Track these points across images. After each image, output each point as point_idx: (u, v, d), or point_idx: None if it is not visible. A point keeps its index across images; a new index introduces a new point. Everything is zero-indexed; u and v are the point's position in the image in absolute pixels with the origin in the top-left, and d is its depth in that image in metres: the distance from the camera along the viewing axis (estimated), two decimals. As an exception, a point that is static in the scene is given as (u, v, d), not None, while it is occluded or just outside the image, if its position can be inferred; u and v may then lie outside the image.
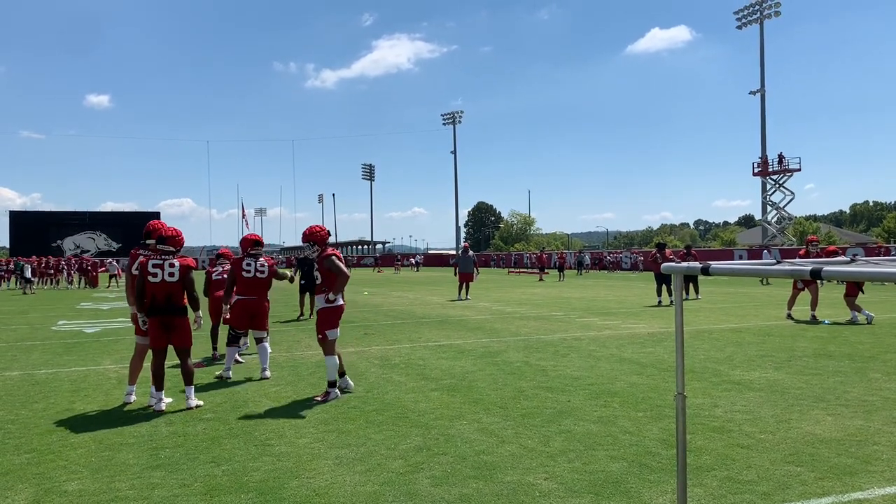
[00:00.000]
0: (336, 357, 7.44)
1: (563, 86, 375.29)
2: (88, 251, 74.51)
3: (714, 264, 3.08)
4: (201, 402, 7.06)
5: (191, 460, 5.18)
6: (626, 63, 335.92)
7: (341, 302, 7.62)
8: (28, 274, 32.81)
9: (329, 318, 7.46)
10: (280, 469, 4.94)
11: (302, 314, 16.58)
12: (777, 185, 58.29)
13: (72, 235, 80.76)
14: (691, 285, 21.53)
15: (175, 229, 7.16)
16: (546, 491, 4.41)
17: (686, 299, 20.90)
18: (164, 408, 6.83)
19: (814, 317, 14.03)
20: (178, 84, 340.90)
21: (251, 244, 8.91)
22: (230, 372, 8.60)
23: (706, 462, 4.91)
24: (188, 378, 7.02)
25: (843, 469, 4.71)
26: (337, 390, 7.32)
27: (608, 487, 4.45)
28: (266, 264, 8.84)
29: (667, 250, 21.25)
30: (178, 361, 7.11)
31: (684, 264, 3.30)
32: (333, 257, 7.43)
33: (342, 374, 7.61)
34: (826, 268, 2.66)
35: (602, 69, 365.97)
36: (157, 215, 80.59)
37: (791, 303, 14.88)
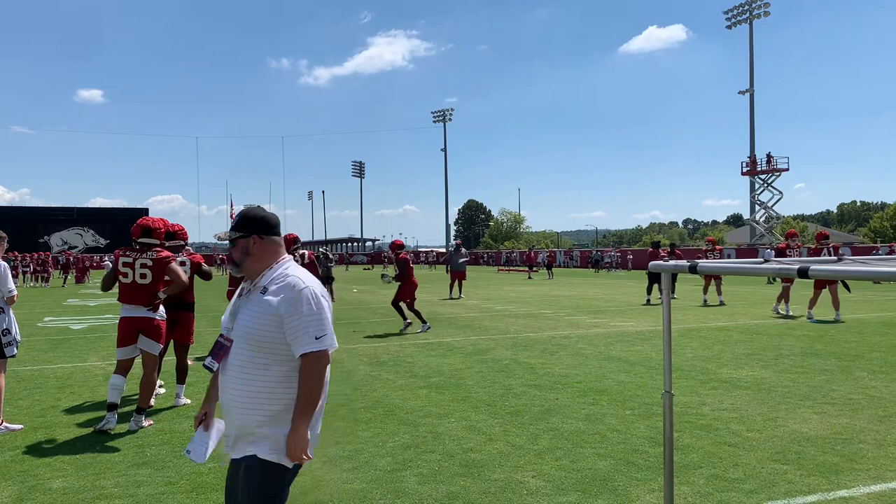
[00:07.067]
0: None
1: (557, 85, 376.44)
2: (76, 247, 74.04)
3: (702, 263, 3.08)
4: (189, 401, 7.03)
5: (177, 458, 5.14)
6: (620, 62, 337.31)
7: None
8: None
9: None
10: (267, 467, 4.91)
11: None
12: (765, 185, 58.66)
13: (59, 231, 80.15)
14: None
15: (177, 225, 7.32)
16: (533, 489, 4.41)
17: (671, 298, 21.02)
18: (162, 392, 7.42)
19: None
20: (170, 79, 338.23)
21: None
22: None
23: (693, 460, 4.93)
24: (182, 375, 7.01)
25: (828, 467, 4.74)
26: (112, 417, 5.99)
27: (595, 485, 4.46)
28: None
29: (661, 249, 21.30)
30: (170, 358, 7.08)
31: (672, 263, 3.30)
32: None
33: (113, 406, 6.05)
34: (813, 267, 2.66)
35: (596, 68, 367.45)
36: (145, 211, 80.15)
37: (812, 302, 14.46)
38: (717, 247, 22.48)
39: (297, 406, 2.59)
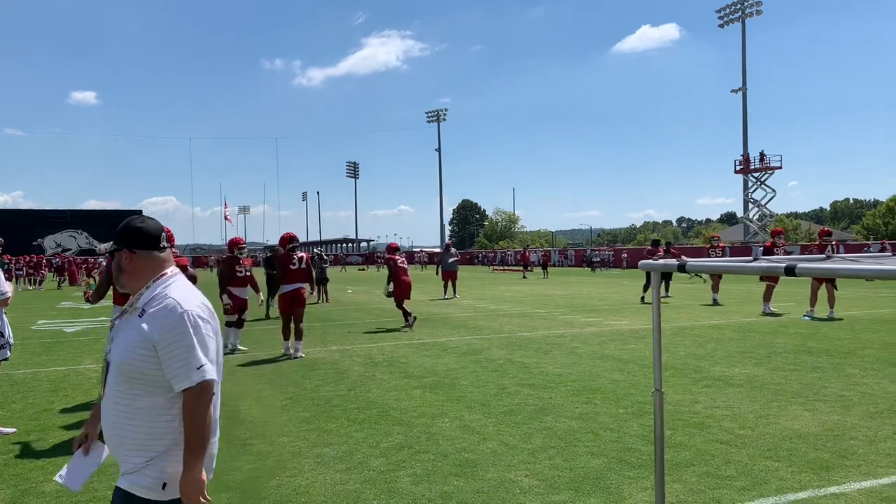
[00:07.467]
0: None
1: (551, 84, 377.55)
2: (70, 250, 73.81)
3: (691, 261, 3.10)
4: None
5: (171, 460, 5.14)
6: (613, 62, 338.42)
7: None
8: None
9: None
10: (261, 468, 4.92)
11: (267, 316, 16.26)
12: (758, 183, 58.89)
13: (53, 234, 79.91)
14: (662, 283, 21.73)
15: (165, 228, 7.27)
16: (526, 488, 4.43)
17: (666, 296, 21.05)
18: None
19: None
20: (163, 80, 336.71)
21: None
22: None
23: (686, 458, 4.95)
24: None
25: (819, 464, 4.77)
26: None
27: (588, 483, 4.48)
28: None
29: (659, 248, 21.32)
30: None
31: (661, 262, 3.32)
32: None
33: None
34: (800, 265, 2.68)
35: (590, 68, 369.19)
36: (138, 213, 79.99)
37: (813, 300, 14.47)
38: (720, 244, 22.39)
39: (186, 447, 2.28)
